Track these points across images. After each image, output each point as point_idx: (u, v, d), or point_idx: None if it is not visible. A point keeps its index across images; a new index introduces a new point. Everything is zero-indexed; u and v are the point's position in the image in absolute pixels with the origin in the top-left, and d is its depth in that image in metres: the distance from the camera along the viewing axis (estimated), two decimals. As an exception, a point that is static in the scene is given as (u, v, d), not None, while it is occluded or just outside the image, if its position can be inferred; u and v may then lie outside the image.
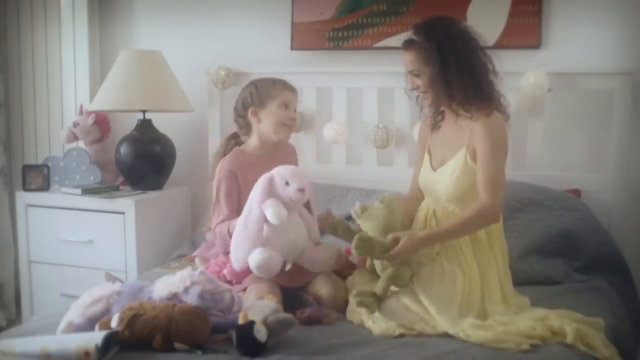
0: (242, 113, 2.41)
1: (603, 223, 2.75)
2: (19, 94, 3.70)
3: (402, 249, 2.02)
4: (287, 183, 2.15)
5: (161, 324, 1.78)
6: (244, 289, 2.17)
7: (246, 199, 2.27)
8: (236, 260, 2.17)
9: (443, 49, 2.09)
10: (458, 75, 2.10)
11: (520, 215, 2.62)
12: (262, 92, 2.36)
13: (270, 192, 2.15)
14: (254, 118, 2.38)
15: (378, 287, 2.06)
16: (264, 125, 2.38)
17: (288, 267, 2.18)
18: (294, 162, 2.51)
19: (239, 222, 2.18)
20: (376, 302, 2.03)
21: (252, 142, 2.43)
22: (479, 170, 2.10)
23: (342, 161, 3.16)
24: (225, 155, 2.46)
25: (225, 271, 2.26)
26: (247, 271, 2.17)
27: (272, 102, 2.35)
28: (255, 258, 2.09)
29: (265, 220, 2.14)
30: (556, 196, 2.73)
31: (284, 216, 2.11)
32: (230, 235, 2.27)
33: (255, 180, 2.24)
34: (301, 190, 2.16)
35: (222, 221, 2.33)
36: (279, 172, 2.18)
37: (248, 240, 2.14)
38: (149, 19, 3.57)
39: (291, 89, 2.40)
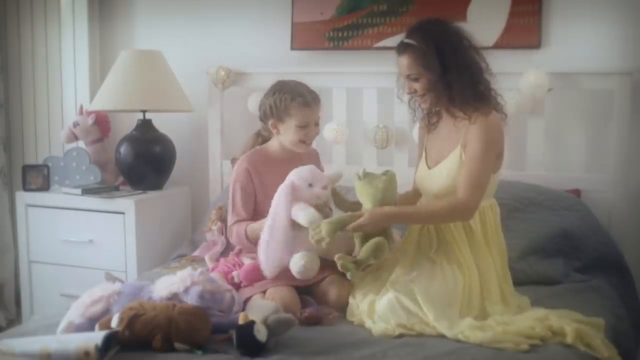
0: (264, 120, 2.41)
1: (603, 223, 2.75)
2: (19, 94, 3.70)
3: (365, 221, 2.05)
4: (310, 185, 2.18)
5: (161, 323, 1.78)
6: (264, 292, 2.18)
7: (261, 199, 2.31)
8: (268, 269, 2.18)
9: (442, 51, 2.08)
10: (458, 77, 2.09)
11: (520, 215, 2.62)
12: (281, 108, 2.31)
13: (295, 197, 2.16)
14: (274, 130, 2.38)
15: (360, 254, 2.09)
16: (283, 137, 2.37)
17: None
18: (316, 165, 2.49)
19: (265, 231, 2.18)
20: (356, 268, 2.07)
21: (273, 144, 2.43)
22: (464, 166, 2.09)
23: (342, 161, 3.15)
24: None
25: (234, 273, 2.28)
26: (259, 274, 2.20)
27: (290, 120, 2.31)
28: (297, 263, 2.13)
29: (292, 225, 2.15)
30: (556, 196, 2.72)
31: (317, 218, 2.12)
32: (247, 237, 2.30)
33: (272, 181, 2.27)
34: (325, 188, 2.19)
35: (239, 221, 2.35)
36: (299, 176, 2.20)
37: (278, 249, 2.15)
38: (149, 19, 3.57)
39: (311, 104, 2.33)
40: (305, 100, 2.30)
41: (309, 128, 2.34)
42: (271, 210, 2.19)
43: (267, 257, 2.17)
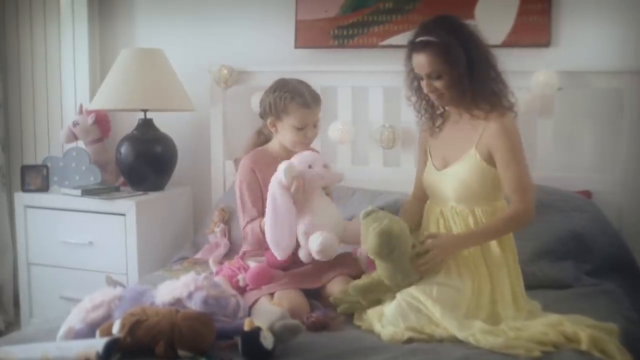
0: (264, 117, 2.40)
1: (614, 225, 2.72)
2: (18, 94, 3.68)
3: (438, 258, 2.04)
4: (309, 166, 2.19)
5: (164, 330, 1.74)
6: (272, 294, 2.16)
7: (265, 197, 2.29)
8: (282, 250, 2.17)
9: (465, 45, 2.05)
10: (481, 72, 2.07)
11: None
12: (280, 106, 2.30)
13: (299, 180, 2.18)
14: (273, 128, 2.37)
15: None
16: (281, 136, 2.37)
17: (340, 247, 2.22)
18: None
19: (268, 217, 2.17)
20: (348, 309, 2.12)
21: (274, 144, 2.43)
22: (505, 173, 2.08)
23: (347, 162, 3.13)
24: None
25: (240, 276, 2.25)
26: (268, 277, 2.19)
27: (288, 119, 2.30)
28: (316, 242, 2.11)
29: (301, 211, 2.18)
30: (566, 197, 2.70)
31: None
32: (263, 232, 2.27)
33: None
34: (326, 165, 2.22)
35: (252, 220, 2.34)
36: (299, 159, 2.21)
37: (286, 228, 2.15)
38: (150, 17, 3.54)
39: (311, 105, 2.31)
40: (304, 101, 2.29)
41: (307, 129, 2.32)
42: (270, 194, 2.18)
43: (280, 239, 2.15)
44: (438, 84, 2.10)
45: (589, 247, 2.57)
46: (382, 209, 2.48)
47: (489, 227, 2.10)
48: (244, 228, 2.37)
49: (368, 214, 2.05)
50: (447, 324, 1.92)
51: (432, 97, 2.16)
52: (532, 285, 2.30)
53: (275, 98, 2.31)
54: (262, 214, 2.31)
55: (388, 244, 1.98)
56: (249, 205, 2.34)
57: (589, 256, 2.56)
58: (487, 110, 2.09)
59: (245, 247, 2.43)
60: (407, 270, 2.03)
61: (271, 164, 2.35)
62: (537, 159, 2.87)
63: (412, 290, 2.01)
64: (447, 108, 2.24)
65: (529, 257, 2.43)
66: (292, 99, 2.28)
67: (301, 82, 2.36)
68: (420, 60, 2.09)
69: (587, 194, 2.79)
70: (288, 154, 2.38)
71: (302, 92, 2.30)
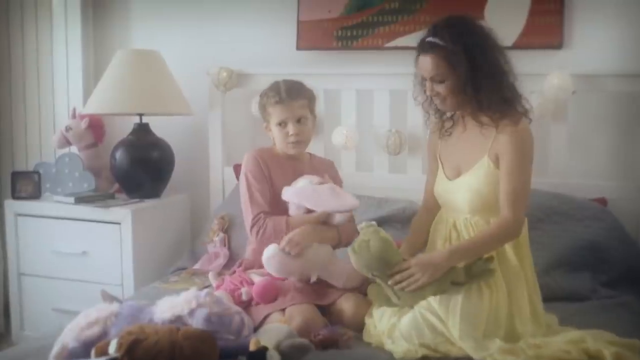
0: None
1: (631, 233, 2.67)
2: (9, 97, 3.62)
3: (419, 276, 1.97)
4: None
5: (164, 349, 1.64)
6: (283, 310, 2.10)
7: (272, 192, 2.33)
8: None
9: (471, 51, 1.98)
10: (487, 80, 2.00)
11: (543, 226, 2.56)
12: (262, 110, 2.36)
13: None
14: (268, 132, 2.38)
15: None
16: (275, 138, 2.37)
17: (313, 279, 2.19)
18: (332, 176, 2.45)
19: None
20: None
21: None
22: (503, 182, 2.02)
23: (351, 168, 3.08)
24: None
25: (243, 289, 2.18)
26: (275, 291, 2.14)
27: (271, 120, 2.33)
28: (269, 252, 2.15)
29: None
30: (581, 205, 2.66)
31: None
32: (288, 229, 2.25)
33: (277, 175, 2.32)
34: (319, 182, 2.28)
35: (264, 213, 2.28)
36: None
37: None
38: (146, 17, 3.50)
39: (284, 100, 2.29)
40: (278, 98, 2.30)
41: (289, 126, 2.30)
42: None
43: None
44: (440, 88, 2.05)
45: (605, 257, 2.53)
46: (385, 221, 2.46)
47: (474, 241, 2.04)
48: (253, 224, 2.28)
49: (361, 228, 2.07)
50: (463, 345, 1.86)
51: (435, 100, 2.11)
52: (547, 297, 2.23)
53: (259, 104, 2.37)
54: (269, 205, 2.30)
55: (363, 263, 2.02)
56: (257, 196, 2.30)
57: (605, 267, 2.52)
58: (497, 118, 2.04)
59: (245, 256, 2.39)
60: (391, 289, 2.03)
61: (275, 161, 2.36)
62: (550, 165, 2.84)
63: (433, 303, 1.95)
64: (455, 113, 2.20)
65: (543, 267, 2.37)
66: (268, 98, 2.33)
67: (284, 81, 2.37)
68: (425, 62, 2.05)
69: (603, 201, 2.74)
70: (288, 155, 2.38)
71: (278, 89, 2.32)
